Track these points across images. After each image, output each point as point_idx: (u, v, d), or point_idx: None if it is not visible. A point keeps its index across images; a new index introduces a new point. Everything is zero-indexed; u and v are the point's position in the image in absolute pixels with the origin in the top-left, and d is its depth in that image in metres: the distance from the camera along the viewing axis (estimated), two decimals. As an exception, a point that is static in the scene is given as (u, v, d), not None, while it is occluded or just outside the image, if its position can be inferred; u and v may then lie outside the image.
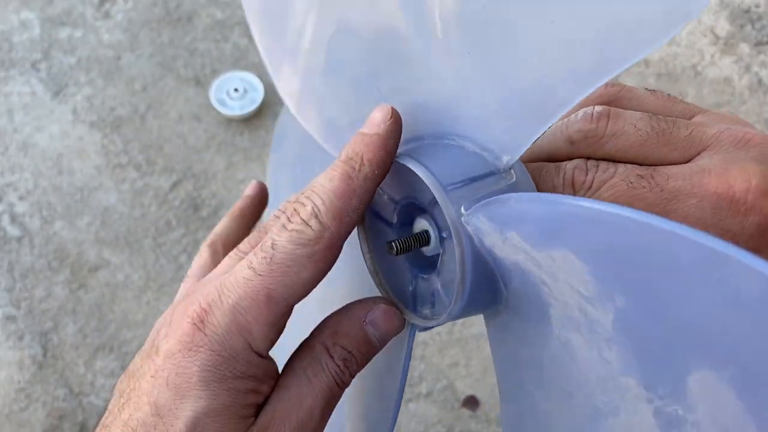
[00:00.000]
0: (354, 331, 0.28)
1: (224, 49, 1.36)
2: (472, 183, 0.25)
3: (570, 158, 0.28)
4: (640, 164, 0.27)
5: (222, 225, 0.41)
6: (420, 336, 1.11)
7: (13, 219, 1.20)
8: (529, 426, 0.29)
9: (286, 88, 0.33)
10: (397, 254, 0.27)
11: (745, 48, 1.38)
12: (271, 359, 0.28)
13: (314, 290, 0.27)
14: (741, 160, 0.26)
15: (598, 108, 0.28)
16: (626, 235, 0.21)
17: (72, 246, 1.18)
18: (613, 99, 0.30)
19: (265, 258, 0.26)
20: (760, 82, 1.34)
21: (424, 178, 0.26)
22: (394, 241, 0.27)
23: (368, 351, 0.28)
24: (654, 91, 0.31)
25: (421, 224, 0.28)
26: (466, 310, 0.27)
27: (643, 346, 0.22)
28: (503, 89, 0.25)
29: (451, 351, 1.12)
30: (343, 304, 0.29)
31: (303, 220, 0.26)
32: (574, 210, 0.22)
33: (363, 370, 0.29)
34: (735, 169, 0.26)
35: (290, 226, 0.26)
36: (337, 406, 0.29)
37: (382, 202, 0.29)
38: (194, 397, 0.26)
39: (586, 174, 0.27)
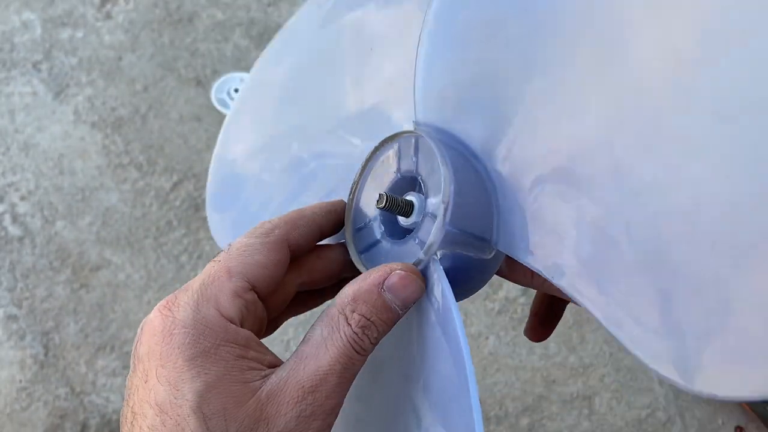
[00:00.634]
0: (372, 297, 0.28)
1: (225, 49, 1.36)
2: (465, 236, 0.29)
3: None
4: None
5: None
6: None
7: (15, 219, 1.20)
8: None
9: None
10: (383, 207, 0.29)
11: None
12: (249, 332, 0.28)
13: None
14: None
15: None
16: None
17: (73, 246, 1.19)
18: None
19: (224, 251, 0.30)
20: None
21: (440, 214, 0.29)
22: (386, 194, 0.30)
23: (388, 317, 0.28)
24: None
25: (410, 197, 0.31)
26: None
27: None
28: None
29: (451, 350, 1.12)
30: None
31: (260, 226, 0.31)
32: None
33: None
34: None
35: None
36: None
37: (384, 171, 0.32)
38: (188, 380, 0.26)
39: None
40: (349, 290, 0.29)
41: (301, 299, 0.34)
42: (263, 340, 0.30)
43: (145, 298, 1.15)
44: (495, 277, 0.33)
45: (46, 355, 1.11)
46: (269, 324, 0.32)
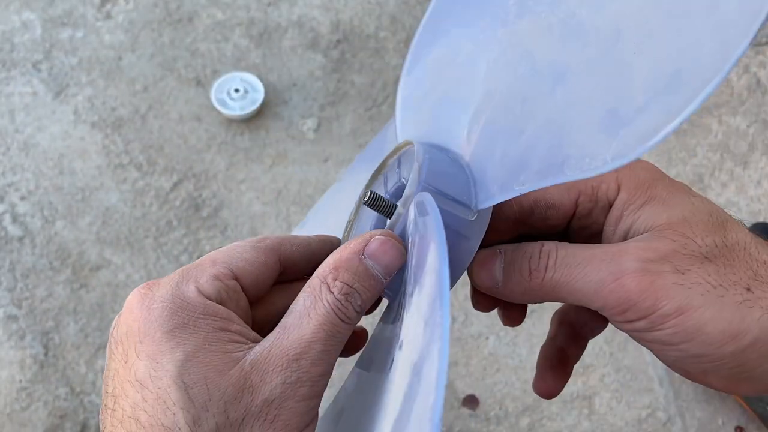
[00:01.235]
0: (353, 265, 0.28)
1: (225, 49, 1.36)
2: (444, 197, 0.29)
3: None
4: None
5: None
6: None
7: (15, 219, 1.20)
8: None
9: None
10: (366, 203, 0.30)
11: (743, 49, 1.38)
12: (230, 311, 0.28)
13: None
14: None
15: None
16: None
17: (73, 246, 1.19)
18: None
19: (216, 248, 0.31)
20: (758, 82, 1.34)
21: (414, 170, 0.30)
22: (372, 192, 0.30)
23: (371, 284, 0.28)
24: None
25: (399, 201, 0.32)
26: None
27: None
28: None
29: (451, 350, 1.12)
30: None
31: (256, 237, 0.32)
32: None
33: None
34: None
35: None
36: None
37: (393, 175, 0.33)
38: (167, 351, 0.26)
39: None
40: (330, 260, 0.29)
41: None
42: None
43: (145, 298, 1.15)
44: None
45: (46, 355, 1.11)
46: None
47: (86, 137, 1.27)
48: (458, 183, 0.30)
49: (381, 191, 0.33)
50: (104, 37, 1.37)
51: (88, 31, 1.37)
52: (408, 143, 0.33)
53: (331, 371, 0.28)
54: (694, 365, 0.28)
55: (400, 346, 0.26)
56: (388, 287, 0.30)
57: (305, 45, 1.37)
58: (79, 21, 1.38)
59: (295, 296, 0.29)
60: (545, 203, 0.32)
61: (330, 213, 0.44)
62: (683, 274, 0.27)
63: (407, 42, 1.39)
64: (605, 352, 1.11)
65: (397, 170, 0.33)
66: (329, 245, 0.33)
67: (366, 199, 0.30)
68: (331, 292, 0.28)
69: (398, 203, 0.31)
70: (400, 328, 0.27)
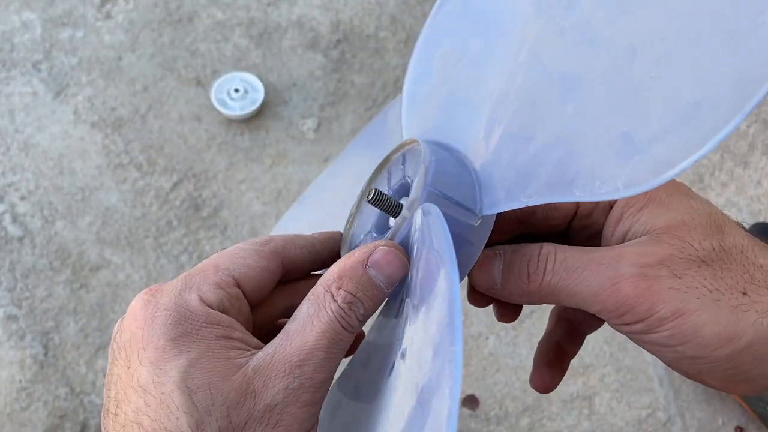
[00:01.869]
0: (357, 274, 0.29)
1: (225, 49, 1.36)
2: (448, 201, 0.29)
3: None
4: None
5: None
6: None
7: (15, 219, 1.20)
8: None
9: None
10: (370, 201, 0.30)
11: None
12: (233, 319, 0.29)
13: None
14: None
15: None
16: None
17: (73, 246, 1.19)
18: None
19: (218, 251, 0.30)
20: (758, 82, 1.35)
21: (420, 173, 0.30)
22: (376, 190, 0.31)
23: (374, 294, 0.29)
24: None
25: (405, 200, 0.32)
26: None
27: None
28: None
29: (451, 350, 1.12)
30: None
31: (259, 238, 0.32)
32: None
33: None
34: None
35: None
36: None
37: (397, 171, 0.33)
38: (171, 358, 0.26)
39: None
40: (334, 269, 0.29)
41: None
42: None
43: (145, 298, 1.15)
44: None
45: (46, 355, 1.11)
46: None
47: (86, 137, 1.27)
48: (463, 187, 0.30)
49: (384, 187, 0.33)
50: (104, 37, 1.37)
51: (88, 31, 1.37)
52: (413, 141, 0.32)
53: (332, 378, 0.28)
54: (690, 366, 0.29)
55: (403, 355, 0.27)
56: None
57: (305, 45, 1.37)
58: (79, 21, 1.38)
59: (297, 297, 0.30)
60: (548, 204, 0.32)
61: (328, 196, 0.44)
62: (680, 278, 0.28)
63: (407, 42, 1.39)
64: (605, 352, 1.11)
65: (401, 167, 0.33)
66: (332, 243, 0.34)
67: (370, 197, 0.30)
68: (335, 301, 0.28)
69: (403, 204, 0.31)
70: (402, 334, 0.27)
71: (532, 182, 0.28)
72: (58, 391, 1.09)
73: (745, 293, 0.28)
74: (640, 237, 0.30)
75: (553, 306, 0.38)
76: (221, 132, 1.28)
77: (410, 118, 0.36)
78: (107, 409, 0.28)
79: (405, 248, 0.30)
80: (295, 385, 0.26)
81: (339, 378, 0.32)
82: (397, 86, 1.34)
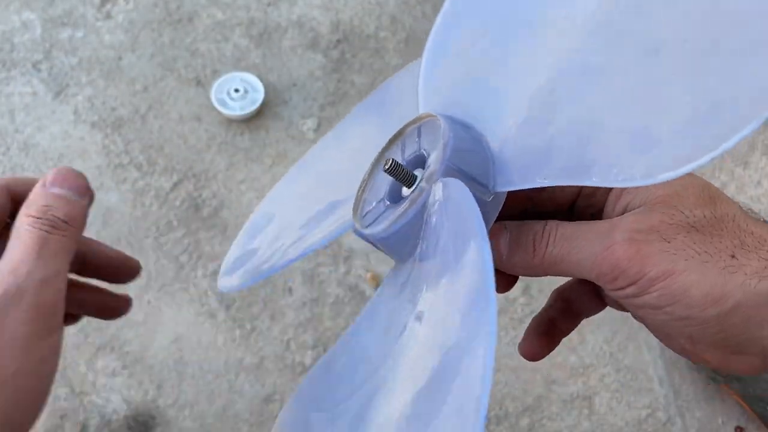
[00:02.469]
0: (41, 194, 0.34)
1: (225, 49, 1.36)
2: (464, 175, 0.30)
3: None
4: None
5: None
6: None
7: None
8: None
9: None
10: (386, 170, 0.31)
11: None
12: None
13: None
14: None
15: None
16: None
17: (73, 246, 1.19)
18: None
19: None
20: (758, 82, 1.35)
21: (439, 147, 0.31)
22: (393, 160, 0.31)
23: (65, 202, 0.35)
24: None
25: (419, 171, 0.32)
26: (385, 241, 0.32)
27: None
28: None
29: (451, 350, 1.12)
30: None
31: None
32: None
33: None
34: None
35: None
36: None
37: (412, 143, 0.34)
38: None
39: None
40: (25, 202, 0.34)
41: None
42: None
43: (145, 298, 1.15)
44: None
45: (46, 355, 1.11)
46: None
47: (86, 137, 1.27)
48: (479, 163, 0.31)
49: (398, 157, 0.34)
50: (104, 37, 1.37)
51: (88, 31, 1.37)
52: (431, 115, 0.33)
53: (61, 282, 0.33)
54: (680, 329, 0.30)
55: (418, 318, 0.27)
56: (393, 251, 0.32)
57: (305, 45, 1.37)
58: (79, 21, 1.38)
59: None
60: None
61: (328, 162, 0.45)
62: (669, 242, 0.29)
63: (407, 42, 1.39)
64: (605, 352, 1.11)
65: (416, 140, 0.33)
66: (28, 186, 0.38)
67: (387, 167, 0.31)
68: (29, 216, 0.33)
69: (417, 175, 0.32)
70: (418, 298, 0.28)
71: (549, 165, 0.29)
72: (58, 391, 1.09)
73: (733, 256, 0.29)
74: (637, 209, 0.31)
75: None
76: (221, 132, 1.28)
77: (428, 92, 0.36)
78: None
79: (419, 218, 0.30)
80: (12, 285, 0.31)
81: (335, 346, 0.33)
82: (397, 86, 1.34)
